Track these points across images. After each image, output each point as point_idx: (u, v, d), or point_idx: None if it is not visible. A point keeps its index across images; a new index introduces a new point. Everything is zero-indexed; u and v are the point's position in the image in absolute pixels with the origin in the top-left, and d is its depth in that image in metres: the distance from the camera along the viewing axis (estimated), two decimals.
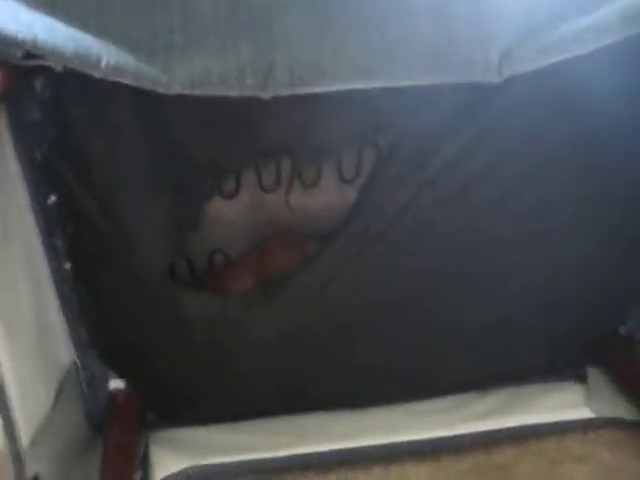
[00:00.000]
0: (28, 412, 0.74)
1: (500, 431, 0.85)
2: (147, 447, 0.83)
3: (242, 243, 0.90)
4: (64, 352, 0.83)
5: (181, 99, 0.60)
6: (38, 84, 0.68)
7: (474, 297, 0.82)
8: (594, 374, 0.93)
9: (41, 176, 0.73)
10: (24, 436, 0.73)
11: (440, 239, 0.78)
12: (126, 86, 0.58)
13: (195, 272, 0.90)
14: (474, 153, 0.75)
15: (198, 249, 0.88)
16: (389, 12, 0.60)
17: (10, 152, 0.72)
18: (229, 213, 0.86)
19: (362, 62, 0.60)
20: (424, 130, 0.75)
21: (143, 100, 0.69)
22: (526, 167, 0.76)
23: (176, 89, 0.58)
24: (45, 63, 0.57)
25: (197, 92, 0.59)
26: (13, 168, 0.73)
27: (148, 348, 0.83)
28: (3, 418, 0.72)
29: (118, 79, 0.58)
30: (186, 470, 0.77)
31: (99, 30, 0.58)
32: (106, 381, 0.88)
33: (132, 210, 0.75)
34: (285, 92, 0.60)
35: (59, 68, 0.57)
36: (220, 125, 0.75)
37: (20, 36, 0.54)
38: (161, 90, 0.58)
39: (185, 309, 0.78)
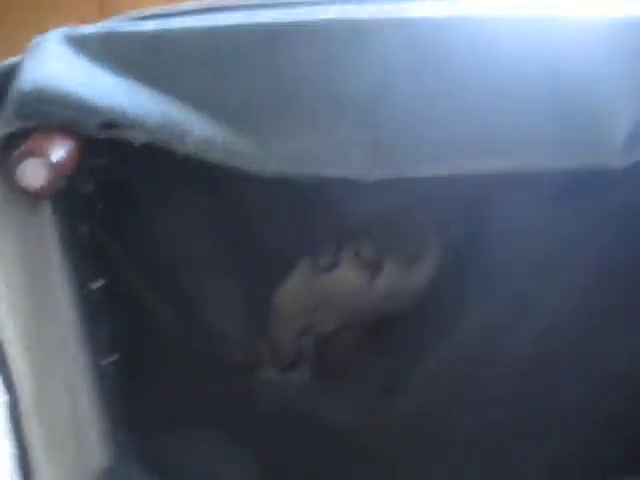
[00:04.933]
0: None
1: None
2: None
3: (289, 331, 0.80)
4: (97, 456, 0.73)
5: (256, 181, 0.52)
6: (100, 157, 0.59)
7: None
8: None
9: (85, 256, 0.64)
10: None
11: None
12: (194, 164, 0.51)
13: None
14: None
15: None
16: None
17: (49, 226, 0.63)
18: (280, 296, 0.77)
19: (483, 141, 0.53)
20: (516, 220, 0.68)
21: (212, 182, 0.62)
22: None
23: (272, 168, 0.50)
24: (123, 135, 0.48)
25: (294, 172, 0.51)
26: (51, 245, 0.64)
27: (208, 454, 0.73)
28: None
29: (204, 155, 0.49)
30: None
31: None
32: None
33: (202, 300, 0.68)
34: (391, 175, 0.53)
35: (139, 140, 0.49)
36: (296, 210, 0.68)
37: (102, 104, 0.46)
38: (255, 169, 0.50)
39: (264, 402, 0.71)
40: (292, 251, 0.72)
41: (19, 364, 0.54)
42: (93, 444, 0.71)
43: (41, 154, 0.47)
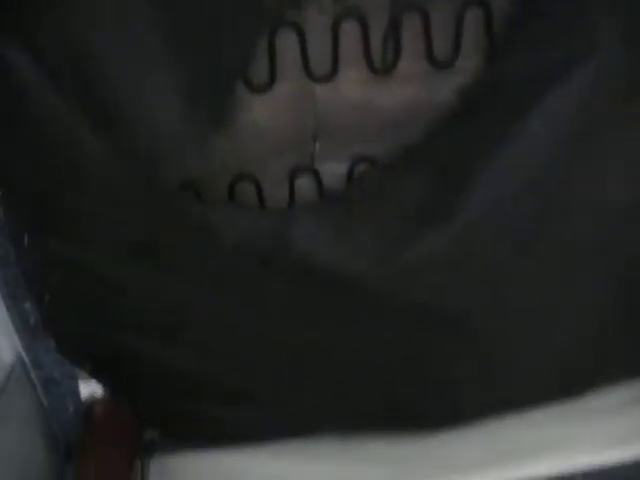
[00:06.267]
0: None
1: None
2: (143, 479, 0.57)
3: (280, 163, 0.60)
4: (3, 343, 0.55)
5: None
6: None
7: None
8: None
9: None
10: None
11: None
12: None
13: None
14: None
15: (211, 175, 0.59)
16: None
17: None
18: (260, 115, 0.57)
19: None
20: None
21: None
22: None
23: None
24: None
25: None
26: None
27: (141, 323, 0.56)
28: None
29: None
30: None
31: None
32: (74, 385, 0.60)
33: (126, 94, 0.49)
34: None
35: None
36: None
37: None
38: None
39: (218, 237, 0.54)
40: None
41: None
42: None
43: None
